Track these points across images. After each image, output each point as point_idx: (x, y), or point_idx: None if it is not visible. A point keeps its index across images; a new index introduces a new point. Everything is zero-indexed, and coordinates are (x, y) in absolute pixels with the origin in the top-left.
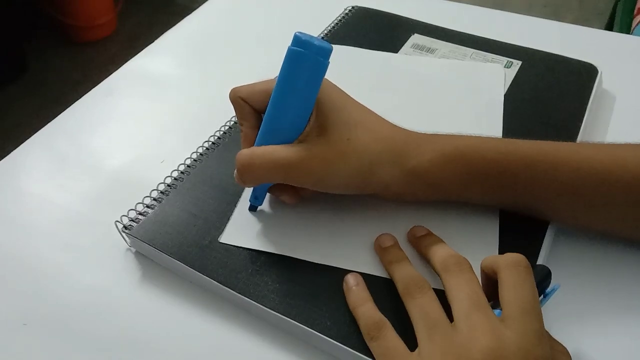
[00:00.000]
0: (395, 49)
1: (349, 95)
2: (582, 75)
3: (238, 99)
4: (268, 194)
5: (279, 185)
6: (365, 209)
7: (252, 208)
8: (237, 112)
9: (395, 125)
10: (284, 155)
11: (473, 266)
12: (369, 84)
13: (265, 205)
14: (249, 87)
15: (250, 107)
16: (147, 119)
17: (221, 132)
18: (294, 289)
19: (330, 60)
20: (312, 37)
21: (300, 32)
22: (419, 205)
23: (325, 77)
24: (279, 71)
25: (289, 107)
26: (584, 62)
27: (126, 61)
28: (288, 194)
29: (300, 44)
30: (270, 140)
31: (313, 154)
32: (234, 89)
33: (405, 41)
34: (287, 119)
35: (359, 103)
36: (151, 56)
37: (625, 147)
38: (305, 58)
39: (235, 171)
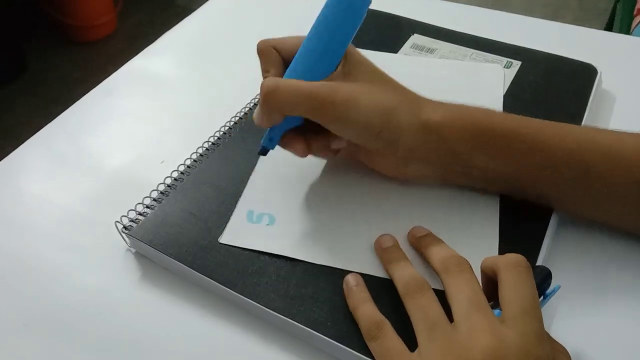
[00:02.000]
0: (395, 49)
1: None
2: (582, 76)
3: (269, 46)
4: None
5: (291, 135)
6: (366, 210)
7: (264, 151)
8: (264, 60)
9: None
10: (309, 86)
11: (473, 266)
12: None
13: (265, 206)
14: (280, 38)
15: (279, 55)
16: (147, 119)
17: (221, 132)
18: (294, 289)
19: None
20: None
21: None
22: (419, 205)
23: None
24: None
25: (322, 48)
26: (584, 62)
27: (126, 61)
28: (300, 144)
29: None
30: (298, 77)
31: (339, 87)
32: (263, 39)
33: (405, 41)
34: (318, 60)
35: None
36: (151, 56)
37: (623, 132)
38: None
39: (257, 108)
